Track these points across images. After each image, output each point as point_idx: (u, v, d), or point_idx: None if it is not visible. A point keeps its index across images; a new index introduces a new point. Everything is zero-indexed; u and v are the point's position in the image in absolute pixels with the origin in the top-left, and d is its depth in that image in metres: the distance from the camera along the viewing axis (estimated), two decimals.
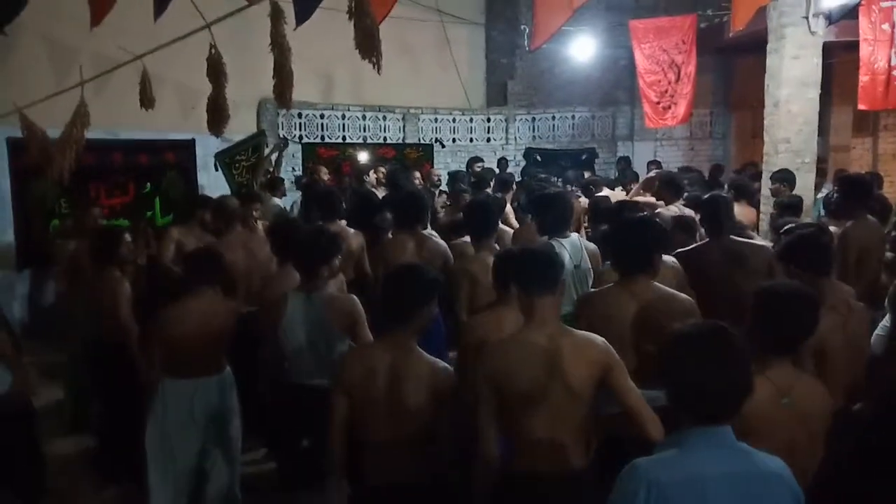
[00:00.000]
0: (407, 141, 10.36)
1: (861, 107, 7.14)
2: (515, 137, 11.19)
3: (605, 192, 6.90)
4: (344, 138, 9.85)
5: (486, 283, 3.60)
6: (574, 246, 3.79)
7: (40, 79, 6.06)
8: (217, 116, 4.49)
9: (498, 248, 3.89)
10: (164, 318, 3.39)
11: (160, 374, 3.43)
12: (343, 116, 9.81)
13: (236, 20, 4.47)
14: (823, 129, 7.52)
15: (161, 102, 4.94)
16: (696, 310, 2.86)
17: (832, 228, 4.35)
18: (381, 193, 6.61)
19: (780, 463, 1.69)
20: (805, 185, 6.56)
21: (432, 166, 10.08)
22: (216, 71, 4.40)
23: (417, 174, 7.60)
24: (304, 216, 6.23)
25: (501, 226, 5.10)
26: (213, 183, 8.04)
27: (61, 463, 4.29)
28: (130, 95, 5.12)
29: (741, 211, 5.37)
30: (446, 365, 2.50)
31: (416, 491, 2.42)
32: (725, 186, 6.93)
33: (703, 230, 5.08)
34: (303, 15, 3.96)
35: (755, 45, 7.54)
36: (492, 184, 6.78)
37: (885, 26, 6.65)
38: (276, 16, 3.88)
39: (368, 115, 10.02)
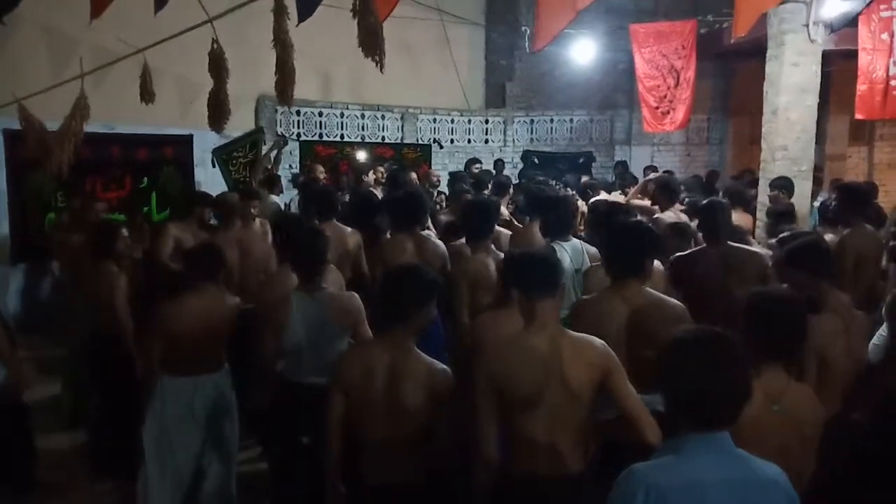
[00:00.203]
0: (405, 141, 10.35)
1: (858, 116, 7.17)
2: (513, 139, 11.20)
3: (602, 195, 6.91)
4: (342, 137, 9.83)
5: (484, 285, 3.61)
6: (575, 249, 3.79)
7: (38, 70, 6.03)
8: (218, 112, 4.47)
9: (494, 249, 3.89)
10: (165, 313, 3.37)
11: (159, 370, 3.42)
12: (341, 115, 9.80)
13: (235, 15, 4.45)
14: (820, 137, 7.54)
15: (160, 97, 4.91)
16: (686, 315, 2.87)
17: (828, 236, 4.36)
18: (379, 193, 6.61)
19: (776, 469, 1.70)
20: (802, 193, 6.58)
21: (430, 167, 10.08)
22: (218, 66, 4.38)
23: (414, 175, 7.59)
24: (302, 214, 6.22)
25: (498, 228, 5.11)
26: (210, 179, 8.02)
27: (57, 457, 4.29)
28: (129, 89, 5.09)
29: (737, 218, 5.38)
30: (444, 366, 2.50)
31: (414, 490, 2.42)
32: (720, 193, 6.95)
33: (699, 236, 5.12)
34: (305, 12, 3.95)
35: (754, 52, 7.57)
36: (489, 186, 6.78)
37: (885, 36, 6.68)
38: (280, 12, 3.86)
39: (367, 113, 10.01)
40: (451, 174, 8.20)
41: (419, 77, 9.92)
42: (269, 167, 7.66)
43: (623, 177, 8.04)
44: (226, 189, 7.38)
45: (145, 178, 7.73)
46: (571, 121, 11.21)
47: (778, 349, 2.27)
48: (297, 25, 4.08)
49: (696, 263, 3.76)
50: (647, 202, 6.04)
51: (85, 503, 4.01)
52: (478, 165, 8.67)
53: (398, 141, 10.31)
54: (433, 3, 9.17)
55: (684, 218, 5.45)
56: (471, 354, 2.83)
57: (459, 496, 2.46)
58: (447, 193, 7.51)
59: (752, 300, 2.40)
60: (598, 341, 2.39)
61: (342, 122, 9.82)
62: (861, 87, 6.82)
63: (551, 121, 11.24)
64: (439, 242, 4.31)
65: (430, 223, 5.16)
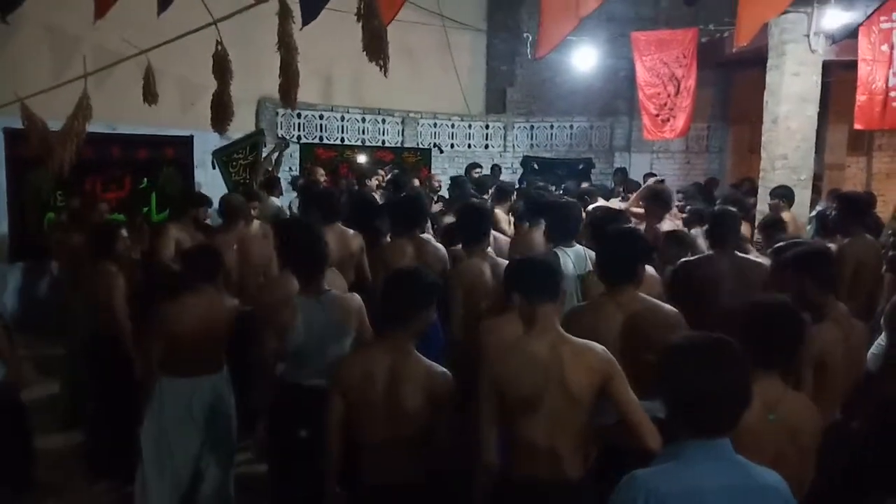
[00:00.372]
0: (405, 145, 10.37)
1: (857, 126, 7.21)
2: (513, 145, 11.22)
3: (600, 202, 6.93)
4: (342, 140, 9.85)
5: (478, 289, 3.61)
6: (578, 256, 3.80)
7: (41, 69, 6.03)
8: (221, 113, 4.48)
9: (492, 254, 3.89)
10: (164, 314, 3.37)
11: (158, 371, 3.41)
12: (342, 118, 9.81)
13: (237, 17, 4.46)
14: (819, 146, 7.58)
15: (161, 98, 4.92)
16: (681, 320, 2.89)
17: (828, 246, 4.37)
18: (379, 196, 6.62)
19: (776, 477, 1.70)
20: (801, 202, 6.61)
21: (430, 171, 10.09)
22: (222, 68, 4.39)
23: (415, 180, 7.62)
24: (301, 216, 6.22)
25: (495, 232, 5.12)
26: (210, 180, 8.03)
27: (55, 457, 4.27)
28: (131, 89, 5.10)
29: None
30: (444, 369, 2.51)
31: (414, 491, 2.42)
32: (718, 201, 6.97)
33: (699, 242, 5.13)
34: (309, 15, 3.95)
35: (755, 61, 7.61)
36: (490, 191, 6.80)
37: (884, 47, 6.72)
38: (284, 15, 3.88)
39: (368, 117, 10.03)
40: (452, 179, 8.22)
41: (420, 81, 9.94)
42: (270, 169, 7.67)
43: (625, 183, 8.06)
44: (225, 190, 7.39)
45: (145, 179, 7.72)
46: (571, 127, 11.24)
47: (774, 357, 2.27)
48: (300, 29, 4.09)
49: (703, 270, 3.78)
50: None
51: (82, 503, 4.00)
52: (478, 170, 8.70)
53: (398, 145, 10.33)
54: (435, 8, 9.20)
55: (680, 225, 5.48)
56: (474, 359, 2.83)
57: (459, 497, 2.46)
58: (447, 197, 7.52)
59: (749, 308, 2.41)
60: (598, 346, 2.40)
61: (343, 126, 9.83)
62: (860, 98, 6.85)
63: (551, 127, 11.26)
64: (440, 246, 4.32)
65: (431, 227, 5.17)
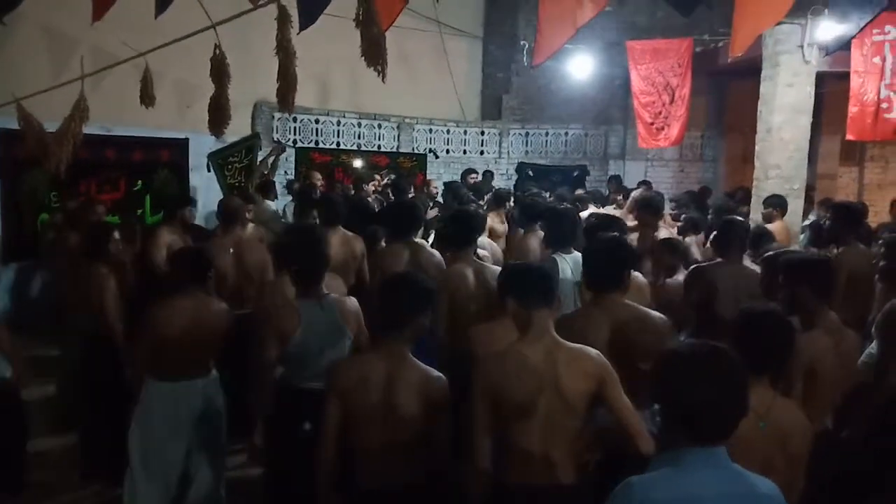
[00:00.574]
0: (401, 150, 10.39)
1: (849, 137, 7.26)
2: (508, 151, 11.25)
3: (592, 208, 6.96)
4: (338, 144, 9.86)
5: (462, 294, 3.62)
6: (576, 262, 3.82)
7: (37, 70, 6.02)
8: (218, 117, 4.47)
9: (477, 259, 3.89)
10: (151, 318, 3.36)
11: (146, 374, 3.40)
12: (338, 123, 9.82)
13: (234, 21, 4.46)
14: (811, 156, 7.64)
15: (157, 100, 4.91)
16: (670, 328, 2.92)
17: None
18: (374, 201, 6.64)
19: (771, 485, 1.70)
20: (794, 212, 6.65)
21: (425, 176, 10.12)
22: (220, 71, 4.39)
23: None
24: (295, 219, 6.24)
25: (487, 239, 5.15)
26: (205, 183, 8.02)
27: (47, 458, 4.26)
28: (127, 91, 5.09)
29: None
30: (439, 374, 2.52)
31: (410, 495, 2.42)
32: (710, 210, 7.03)
33: (693, 250, 5.17)
34: (307, 20, 3.95)
35: (749, 71, 7.67)
36: (487, 197, 6.83)
37: (876, 59, 6.79)
38: (283, 19, 3.88)
39: (364, 122, 10.04)
40: (446, 185, 8.24)
41: (417, 87, 9.96)
42: (266, 172, 7.67)
43: (620, 190, 8.10)
44: (220, 194, 7.38)
45: (140, 181, 7.71)
46: (566, 134, 11.29)
47: (764, 364, 2.29)
48: (297, 33, 4.10)
49: (707, 277, 3.90)
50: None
51: None
52: (473, 175, 8.73)
53: (394, 150, 10.34)
54: (433, 14, 9.22)
55: (675, 233, 5.52)
56: (459, 362, 2.84)
57: (454, 502, 2.46)
58: (442, 203, 7.54)
59: (739, 316, 2.45)
60: (593, 351, 2.42)
61: (339, 130, 9.85)
62: (852, 109, 6.91)
63: (546, 134, 11.31)
64: (435, 252, 4.33)
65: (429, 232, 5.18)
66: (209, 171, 7.67)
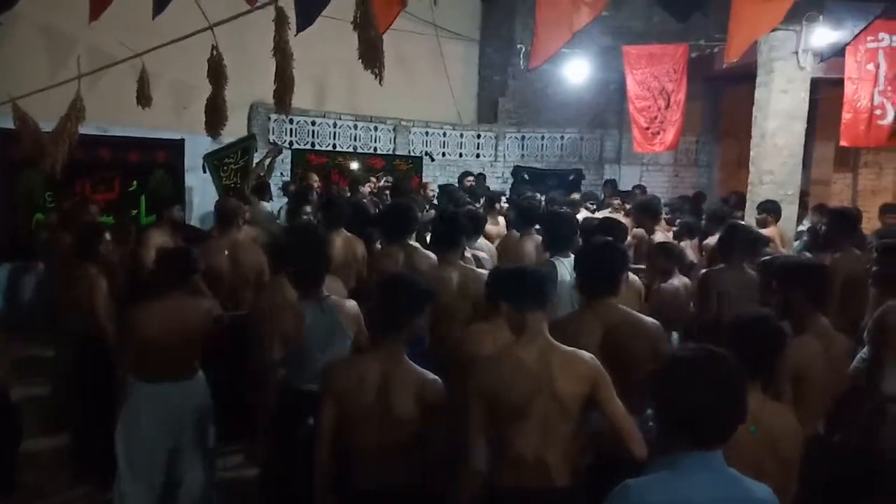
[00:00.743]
0: (397, 152, 10.40)
1: (843, 143, 7.31)
2: (504, 155, 11.28)
3: (584, 213, 6.99)
4: (334, 146, 9.86)
5: (444, 296, 3.60)
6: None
7: (34, 70, 6.00)
8: (215, 118, 4.48)
9: (463, 262, 3.89)
10: (133, 319, 3.36)
11: (131, 375, 3.40)
12: (334, 125, 9.83)
13: (231, 22, 4.47)
14: (806, 162, 7.69)
15: (153, 100, 4.91)
16: (662, 333, 2.94)
17: None
18: (370, 204, 6.63)
19: (767, 490, 1.72)
20: (788, 217, 6.69)
21: (421, 179, 10.13)
22: (217, 73, 4.40)
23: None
24: (289, 220, 6.24)
25: (485, 241, 5.16)
26: (200, 184, 8.00)
27: (37, 459, 4.23)
28: (123, 91, 5.08)
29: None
30: (435, 376, 2.52)
31: (406, 496, 2.43)
32: (704, 214, 7.06)
33: (688, 254, 5.20)
34: (304, 22, 3.97)
35: (744, 77, 7.71)
36: (482, 200, 6.85)
37: (870, 66, 6.83)
38: (281, 21, 3.89)
39: (360, 124, 10.05)
40: (441, 187, 8.25)
41: (413, 90, 9.97)
42: (262, 174, 7.67)
43: (616, 194, 8.13)
44: (216, 195, 7.38)
45: (135, 182, 7.69)
46: (562, 138, 11.32)
47: (755, 369, 2.29)
48: (295, 35, 4.11)
49: (718, 280, 4.06)
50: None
51: None
52: (470, 178, 8.74)
53: (390, 152, 10.35)
54: (429, 17, 9.25)
55: (671, 237, 5.55)
56: (441, 364, 2.84)
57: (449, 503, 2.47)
58: (438, 205, 7.55)
59: (733, 320, 2.48)
60: (586, 354, 2.43)
61: (335, 132, 9.85)
62: (846, 116, 6.95)
63: (542, 137, 11.33)
64: (430, 254, 4.33)
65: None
66: (205, 172, 7.65)
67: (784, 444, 2.23)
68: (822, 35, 6.68)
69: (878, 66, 6.80)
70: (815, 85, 7.29)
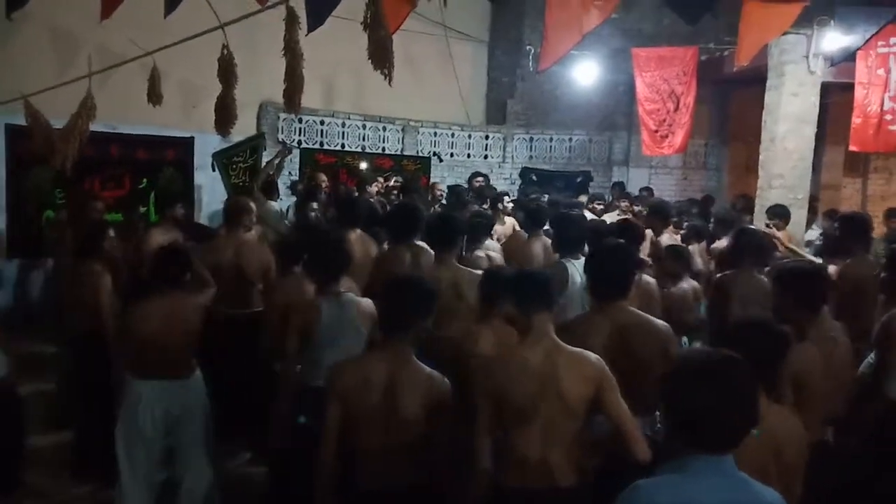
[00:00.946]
0: (405, 153, 10.40)
1: (852, 148, 7.28)
2: (512, 156, 11.26)
3: (589, 215, 6.96)
4: (343, 146, 9.87)
5: (442, 298, 3.60)
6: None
7: (44, 68, 6.04)
8: (225, 116, 4.51)
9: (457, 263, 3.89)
10: (130, 317, 3.38)
11: (129, 374, 3.41)
12: (343, 124, 9.84)
13: (241, 21, 4.49)
14: (815, 166, 7.65)
15: (163, 98, 4.94)
16: (672, 335, 2.93)
17: (831, 268, 4.39)
18: (377, 204, 6.63)
19: (776, 496, 1.71)
20: (797, 222, 6.66)
21: (429, 179, 10.13)
22: (227, 72, 4.42)
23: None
24: (298, 219, 6.26)
25: (493, 242, 5.17)
26: (209, 183, 8.03)
27: (41, 457, 4.24)
28: (133, 89, 5.11)
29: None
30: (443, 376, 2.53)
31: (412, 496, 2.43)
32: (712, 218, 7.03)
33: (696, 258, 5.18)
34: (315, 22, 3.98)
35: (754, 80, 7.68)
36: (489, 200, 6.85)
37: (881, 71, 6.81)
38: (291, 21, 3.91)
39: (368, 124, 10.06)
40: (449, 188, 8.25)
41: (422, 90, 9.97)
42: (272, 173, 7.69)
43: (624, 197, 8.10)
44: (225, 193, 7.40)
45: (145, 179, 7.73)
46: (570, 140, 11.29)
47: (757, 373, 2.29)
48: (306, 35, 4.12)
49: (733, 285, 4.10)
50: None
51: None
52: (479, 179, 8.73)
53: (398, 152, 10.35)
54: (438, 18, 9.25)
55: (680, 240, 5.54)
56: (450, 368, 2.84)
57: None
58: (446, 205, 7.55)
59: (735, 324, 2.52)
60: (592, 356, 2.43)
61: (343, 132, 9.86)
62: (856, 120, 6.93)
63: (551, 139, 11.31)
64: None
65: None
66: (214, 170, 7.68)
67: (788, 449, 2.22)
68: (833, 39, 6.64)
69: (888, 71, 6.77)
70: (826, 89, 7.25)
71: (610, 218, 6.82)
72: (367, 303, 3.26)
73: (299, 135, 9.41)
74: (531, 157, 11.31)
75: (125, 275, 4.66)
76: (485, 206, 6.72)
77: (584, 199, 8.16)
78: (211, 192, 8.06)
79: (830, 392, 2.89)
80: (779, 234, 5.56)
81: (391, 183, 8.31)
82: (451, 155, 10.86)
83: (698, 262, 5.36)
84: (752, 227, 4.85)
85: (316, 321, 3.11)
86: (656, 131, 8.45)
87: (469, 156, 11.01)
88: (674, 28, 9.95)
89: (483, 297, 3.03)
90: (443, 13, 8.68)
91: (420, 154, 10.52)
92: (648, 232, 5.61)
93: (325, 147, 9.69)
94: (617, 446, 2.34)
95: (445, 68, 10.25)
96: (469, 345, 2.96)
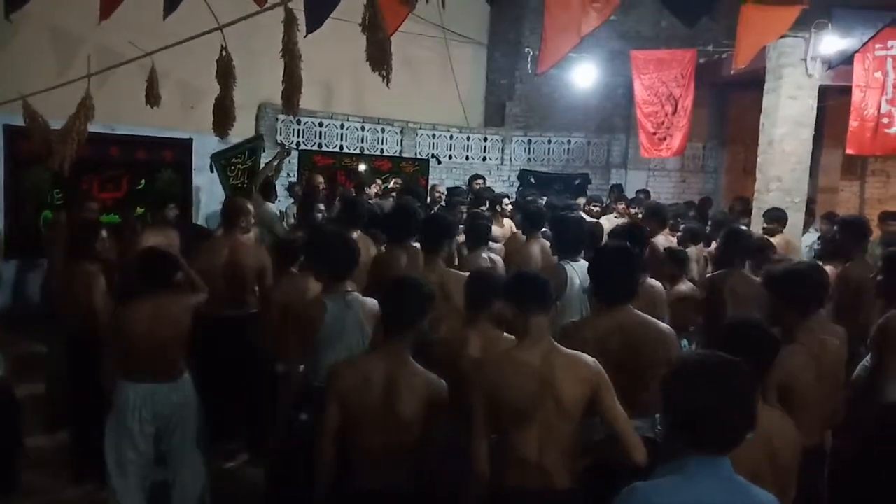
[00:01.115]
0: (404, 154, 10.41)
1: (849, 151, 7.30)
2: (511, 158, 11.28)
3: (585, 217, 6.96)
4: (341, 148, 9.88)
5: None
6: (584, 270, 3.83)
7: (43, 68, 6.04)
8: (223, 118, 4.51)
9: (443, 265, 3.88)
10: (119, 319, 3.37)
11: (118, 376, 3.41)
12: (342, 126, 9.85)
13: (240, 23, 4.50)
14: (813, 169, 7.67)
15: (161, 99, 4.94)
16: (674, 337, 2.92)
17: (828, 268, 4.39)
18: (374, 204, 6.64)
19: (772, 499, 1.72)
20: (794, 225, 6.67)
21: (428, 181, 10.14)
22: (226, 73, 4.43)
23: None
24: (301, 221, 6.25)
25: (493, 243, 5.18)
26: (208, 184, 8.04)
27: (38, 457, 4.24)
28: (131, 90, 5.11)
29: None
30: (439, 378, 2.53)
31: (409, 496, 2.44)
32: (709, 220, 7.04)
33: (692, 260, 5.19)
34: (314, 23, 3.99)
35: (752, 83, 7.70)
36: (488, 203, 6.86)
37: (878, 75, 6.83)
38: (290, 22, 3.92)
39: (367, 126, 10.07)
40: (449, 190, 8.26)
41: (420, 92, 9.99)
42: (270, 175, 7.70)
43: (622, 199, 8.10)
44: (223, 194, 7.41)
45: (143, 180, 7.73)
46: (569, 142, 11.31)
47: None
48: (304, 36, 4.12)
49: (725, 284, 4.09)
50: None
51: None
52: (479, 181, 8.74)
53: (397, 154, 10.36)
54: (437, 20, 9.26)
55: (676, 243, 5.54)
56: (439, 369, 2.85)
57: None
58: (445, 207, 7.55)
59: (724, 325, 2.51)
60: (589, 358, 2.44)
61: (342, 134, 9.87)
62: (853, 123, 6.94)
63: (549, 141, 11.33)
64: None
65: None
66: (212, 171, 7.68)
67: (782, 452, 2.22)
68: (831, 43, 6.67)
69: (885, 75, 6.79)
70: (823, 92, 7.27)
71: (607, 220, 6.83)
72: (372, 303, 3.26)
73: (298, 136, 9.41)
74: (529, 159, 11.33)
75: (116, 276, 4.65)
76: (483, 208, 6.73)
77: (581, 201, 8.15)
78: (209, 193, 8.07)
79: (823, 395, 2.88)
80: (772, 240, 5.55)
81: (392, 184, 8.32)
82: (450, 157, 10.88)
83: (694, 264, 5.37)
84: (741, 227, 4.84)
85: (321, 319, 3.13)
86: (654, 134, 8.46)
87: (467, 158, 11.03)
88: (672, 31, 9.99)
89: (469, 302, 3.00)
90: (441, 15, 8.70)
91: (418, 156, 10.53)
92: None
93: (324, 149, 9.69)
94: (610, 449, 2.35)
95: (444, 70, 10.26)
96: (458, 348, 2.96)
